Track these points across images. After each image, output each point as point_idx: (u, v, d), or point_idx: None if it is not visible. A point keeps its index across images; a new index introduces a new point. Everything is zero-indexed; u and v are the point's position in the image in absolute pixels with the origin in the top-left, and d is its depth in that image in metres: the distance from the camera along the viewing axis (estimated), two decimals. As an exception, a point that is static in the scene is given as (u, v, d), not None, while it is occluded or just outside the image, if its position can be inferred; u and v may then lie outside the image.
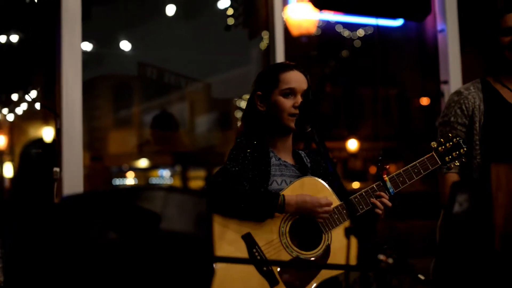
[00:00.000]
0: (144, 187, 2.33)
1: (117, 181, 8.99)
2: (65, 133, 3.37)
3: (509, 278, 1.68)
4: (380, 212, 2.47)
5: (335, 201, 2.45)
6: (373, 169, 8.98)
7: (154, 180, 9.40)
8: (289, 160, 2.58)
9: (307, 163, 2.63)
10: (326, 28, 5.62)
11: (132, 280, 1.38)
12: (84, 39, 3.51)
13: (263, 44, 4.07)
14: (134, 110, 7.83)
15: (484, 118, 2.86)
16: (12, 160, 5.87)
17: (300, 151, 2.67)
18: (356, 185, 8.36)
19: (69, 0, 3.43)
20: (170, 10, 5.05)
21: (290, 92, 2.50)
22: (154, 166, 9.08)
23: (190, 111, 7.33)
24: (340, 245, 2.40)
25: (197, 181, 8.75)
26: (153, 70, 4.51)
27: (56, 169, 3.28)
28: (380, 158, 2.54)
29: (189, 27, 5.20)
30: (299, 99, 2.48)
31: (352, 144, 8.91)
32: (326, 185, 2.48)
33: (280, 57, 3.79)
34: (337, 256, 2.40)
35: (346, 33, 6.25)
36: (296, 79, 2.53)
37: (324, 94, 7.87)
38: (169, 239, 1.42)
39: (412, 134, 6.89)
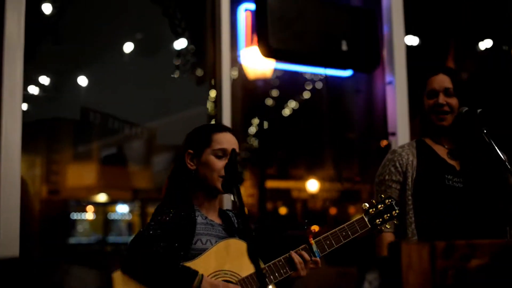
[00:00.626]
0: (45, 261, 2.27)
1: (75, 215, 8.86)
2: (3, 177, 3.25)
3: None
4: (297, 276, 2.46)
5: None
6: (333, 210, 8.99)
7: (112, 216, 9.29)
8: (215, 219, 2.55)
9: (235, 224, 2.60)
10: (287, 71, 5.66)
11: None
12: (41, 73, 3.37)
13: (213, 92, 4.07)
14: (94, 145, 7.75)
15: (416, 172, 2.87)
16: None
17: (228, 211, 2.66)
18: (316, 228, 8.34)
19: (11, 36, 3.32)
20: (128, 48, 5.02)
21: (222, 154, 2.50)
22: (112, 201, 8.98)
23: (147, 149, 7.27)
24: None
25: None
26: (96, 115, 4.45)
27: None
28: (306, 221, 2.52)
29: (143, 67, 5.16)
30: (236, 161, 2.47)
31: (312, 185, 8.91)
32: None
33: (226, 104, 3.78)
34: None
35: (307, 75, 6.28)
36: (229, 140, 2.53)
37: (285, 134, 7.89)
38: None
39: (373, 176, 6.91)
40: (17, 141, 3.30)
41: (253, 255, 1.76)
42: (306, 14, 4.04)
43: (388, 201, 2.64)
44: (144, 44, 5.11)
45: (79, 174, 7.91)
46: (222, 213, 2.62)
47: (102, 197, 8.54)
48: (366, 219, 2.58)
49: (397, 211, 2.63)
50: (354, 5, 4.20)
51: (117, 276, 2.25)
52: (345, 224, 2.53)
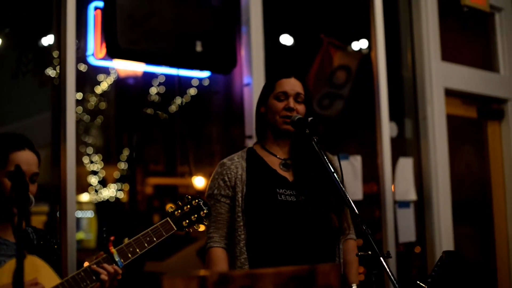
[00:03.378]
0: None
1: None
2: None
3: None
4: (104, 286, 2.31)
5: (56, 280, 2.28)
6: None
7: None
8: (11, 238, 2.37)
9: (33, 240, 2.44)
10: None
11: None
12: None
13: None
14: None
15: (246, 187, 2.76)
16: None
17: (28, 228, 2.49)
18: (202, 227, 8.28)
19: None
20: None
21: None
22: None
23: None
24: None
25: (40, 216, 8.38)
26: None
27: None
28: (104, 229, 2.40)
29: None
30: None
31: (199, 182, 8.82)
32: (46, 264, 2.31)
33: (71, 107, 3.58)
34: None
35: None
36: (26, 160, 2.35)
37: (170, 131, 7.77)
38: None
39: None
40: None
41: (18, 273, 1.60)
42: (159, 12, 3.86)
43: (195, 202, 2.54)
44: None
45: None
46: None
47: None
48: (171, 222, 2.46)
49: (205, 211, 2.53)
50: (212, 4, 4.05)
51: None
52: (149, 229, 2.41)
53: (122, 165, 8.28)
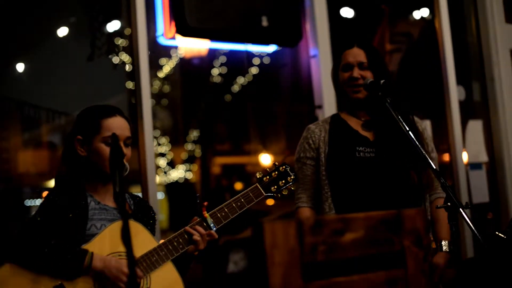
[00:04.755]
0: None
1: (30, 202, 8.79)
2: None
3: None
4: (196, 251, 2.46)
5: (153, 243, 2.43)
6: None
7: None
8: (110, 203, 2.53)
9: (130, 205, 2.59)
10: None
11: None
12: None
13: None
14: (42, 130, 7.65)
15: (328, 147, 2.88)
16: None
17: (125, 194, 2.63)
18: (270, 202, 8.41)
19: None
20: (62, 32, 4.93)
21: None
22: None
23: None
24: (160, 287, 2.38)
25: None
26: (11, 103, 4.37)
27: None
28: (197, 195, 2.52)
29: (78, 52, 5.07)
30: (121, 146, 2.44)
31: (266, 159, 8.93)
32: (144, 228, 2.45)
33: (146, 84, 3.73)
34: None
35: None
36: (119, 125, 2.49)
37: (235, 109, 7.89)
38: None
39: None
40: None
41: (125, 236, 1.73)
42: (225, -10, 3.99)
43: (283, 168, 2.66)
44: (78, 27, 5.02)
45: (29, 161, 7.82)
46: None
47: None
48: (260, 187, 2.58)
49: (292, 177, 2.66)
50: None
51: (5, 269, 2.23)
52: (239, 195, 2.54)
53: (189, 146, 8.48)
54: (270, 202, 7.46)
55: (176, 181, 8.89)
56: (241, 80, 7.59)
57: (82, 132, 2.50)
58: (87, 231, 2.38)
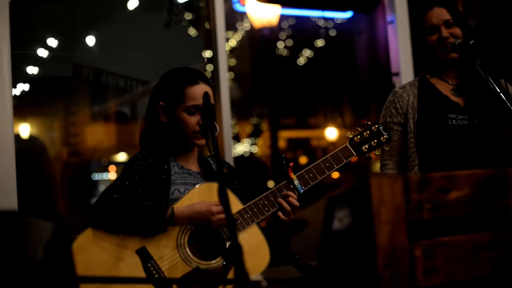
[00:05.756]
0: None
1: (97, 176, 8.99)
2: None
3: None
4: (285, 216, 2.38)
5: (238, 206, 2.38)
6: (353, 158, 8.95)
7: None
8: (193, 168, 2.51)
9: (215, 169, 2.57)
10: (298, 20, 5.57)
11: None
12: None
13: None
14: (110, 104, 7.78)
15: (418, 113, 2.78)
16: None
17: (208, 157, 2.60)
18: (336, 175, 8.35)
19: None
20: (132, 5, 4.97)
21: (195, 110, 2.42)
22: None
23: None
24: (245, 250, 2.35)
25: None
26: (89, 71, 4.43)
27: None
28: (283, 155, 2.44)
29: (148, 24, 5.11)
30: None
31: (331, 133, 8.86)
32: (229, 190, 2.38)
33: (222, 52, 3.72)
34: None
35: (320, 22, 6.19)
36: (201, 94, 2.44)
37: (301, 83, 7.82)
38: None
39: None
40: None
41: (222, 194, 1.71)
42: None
43: (375, 127, 2.54)
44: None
45: (97, 135, 7.98)
46: (202, 161, 2.58)
47: (122, 157, 8.62)
48: (350, 147, 2.48)
49: (385, 136, 2.54)
50: None
51: (87, 233, 2.24)
52: (328, 155, 2.43)
53: (255, 120, 8.46)
54: (335, 175, 7.40)
55: (242, 155, 8.91)
56: (306, 52, 7.50)
57: (165, 99, 2.47)
58: (171, 195, 2.37)
